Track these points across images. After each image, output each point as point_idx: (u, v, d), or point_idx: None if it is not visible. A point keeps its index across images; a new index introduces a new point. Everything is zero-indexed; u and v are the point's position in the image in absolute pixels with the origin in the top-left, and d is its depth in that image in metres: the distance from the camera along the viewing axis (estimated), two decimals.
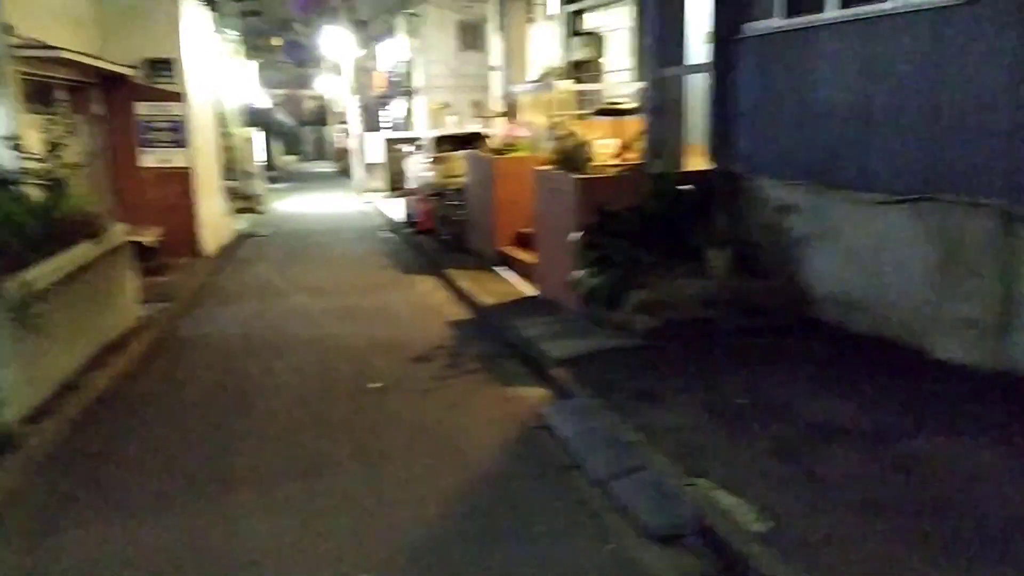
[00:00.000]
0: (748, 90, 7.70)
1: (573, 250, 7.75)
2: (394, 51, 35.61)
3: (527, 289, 9.83)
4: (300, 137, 56.61)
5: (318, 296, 10.51)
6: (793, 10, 7.24)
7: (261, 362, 7.36)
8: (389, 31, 36.63)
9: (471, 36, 30.92)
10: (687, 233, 7.53)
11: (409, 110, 34.17)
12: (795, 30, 7.10)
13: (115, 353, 7.18)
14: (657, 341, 6.67)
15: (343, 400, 6.23)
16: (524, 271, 10.54)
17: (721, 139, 7.98)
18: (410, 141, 24.99)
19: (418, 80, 31.78)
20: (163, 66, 13.00)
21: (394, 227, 18.31)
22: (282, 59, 62.17)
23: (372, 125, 33.23)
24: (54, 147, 7.81)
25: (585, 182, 7.86)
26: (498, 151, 11.83)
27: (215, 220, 14.70)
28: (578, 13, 17.94)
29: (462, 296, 10.06)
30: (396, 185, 25.51)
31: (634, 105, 9.15)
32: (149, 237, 12.51)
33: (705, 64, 8.50)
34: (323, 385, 6.62)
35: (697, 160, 8.90)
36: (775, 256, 7.35)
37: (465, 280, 10.76)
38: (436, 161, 20.68)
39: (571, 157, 8.36)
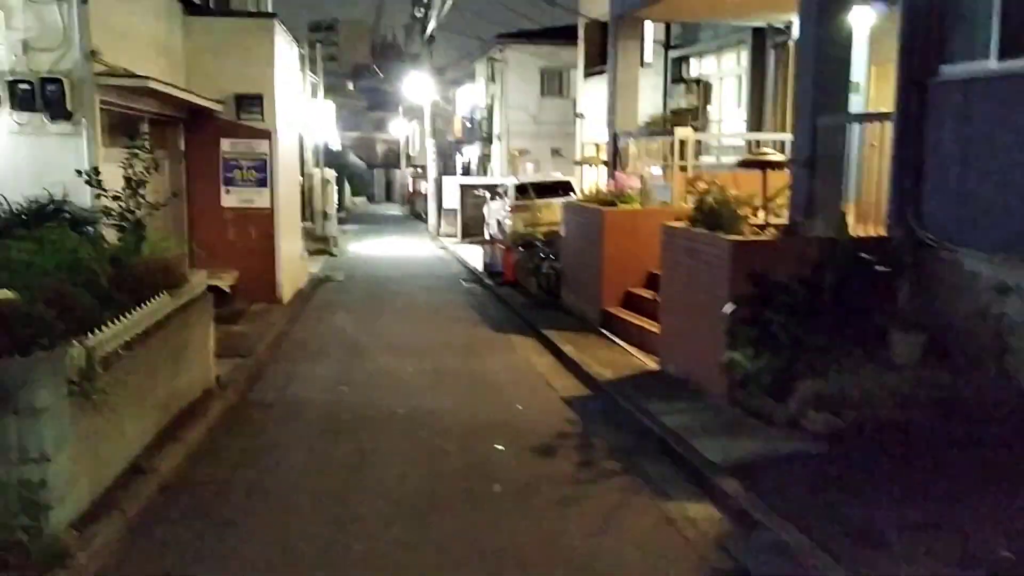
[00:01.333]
0: (945, 144, 6.44)
1: (724, 324, 6.54)
2: (472, 96, 35.17)
3: (646, 361, 8.61)
4: (370, 179, 56.73)
5: (407, 356, 9.45)
6: (1007, 51, 5.99)
7: (351, 444, 6.24)
8: (469, 76, 36.27)
9: (554, 82, 30.21)
10: (867, 312, 6.24)
11: (485, 156, 33.53)
12: (1015, 75, 5.84)
13: (187, 424, 6.16)
14: (845, 448, 5.37)
15: (456, 510, 5.03)
16: (639, 339, 9.33)
17: (904, 200, 6.72)
18: (488, 187, 24.16)
19: (497, 126, 31.13)
20: (252, 102, 12.29)
21: (474, 276, 17.31)
22: (356, 102, 62.96)
23: (447, 169, 32.60)
24: (135, 184, 6.95)
25: (740, 245, 6.66)
26: (607, 202, 10.72)
27: (293, 264, 13.87)
28: (681, 59, 16.93)
29: (571, 364, 8.87)
30: (470, 231, 24.65)
31: (784, 158, 7.97)
32: (226, 281, 11.67)
33: (882, 113, 7.28)
34: (428, 484, 5.43)
35: (857, 223, 7.64)
36: (981, 345, 6.01)
37: (569, 344, 9.59)
38: (518, 209, 19.77)
39: (716, 214, 7.18)
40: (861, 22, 10.02)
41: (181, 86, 10.71)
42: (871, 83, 11.56)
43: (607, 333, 10.11)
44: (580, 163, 15.69)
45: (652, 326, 9.14)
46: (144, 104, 9.94)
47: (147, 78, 8.63)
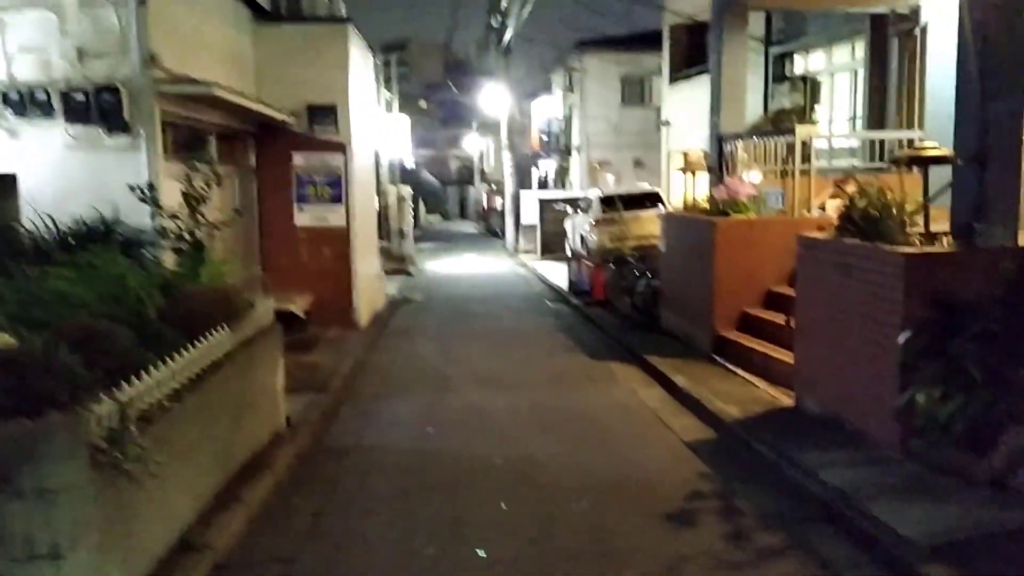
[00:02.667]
0: None
1: (896, 356, 5.29)
2: (549, 108, 34.22)
3: (776, 395, 7.37)
4: (444, 196, 56.39)
5: (496, 389, 8.40)
6: None
7: (441, 508, 5.18)
8: (545, 87, 35.36)
9: (635, 91, 29.01)
10: None
11: (563, 168, 32.49)
12: None
13: (250, 480, 5.22)
14: None
15: None
16: (762, 368, 8.09)
17: None
18: (569, 201, 23.08)
19: (575, 137, 30.07)
20: (325, 113, 11.51)
21: (559, 295, 16.22)
22: (429, 119, 62.89)
23: (523, 184, 31.67)
24: (194, 201, 6.12)
25: (916, 259, 5.39)
26: (716, 211, 9.51)
27: (370, 285, 13.03)
28: (784, 56, 15.58)
29: (686, 399, 7.69)
30: (550, 248, 23.60)
31: (946, 152, 6.66)
32: (300, 306, 10.87)
33: None
34: (538, 568, 4.33)
35: None
36: None
37: (679, 374, 8.41)
38: (604, 223, 18.63)
39: (875, 222, 5.93)
40: None
41: (250, 94, 9.96)
42: None
43: (721, 360, 8.89)
44: (684, 170, 14.42)
45: (780, 354, 7.89)
46: (210, 116, 9.21)
47: (211, 84, 7.85)
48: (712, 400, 7.33)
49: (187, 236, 5.99)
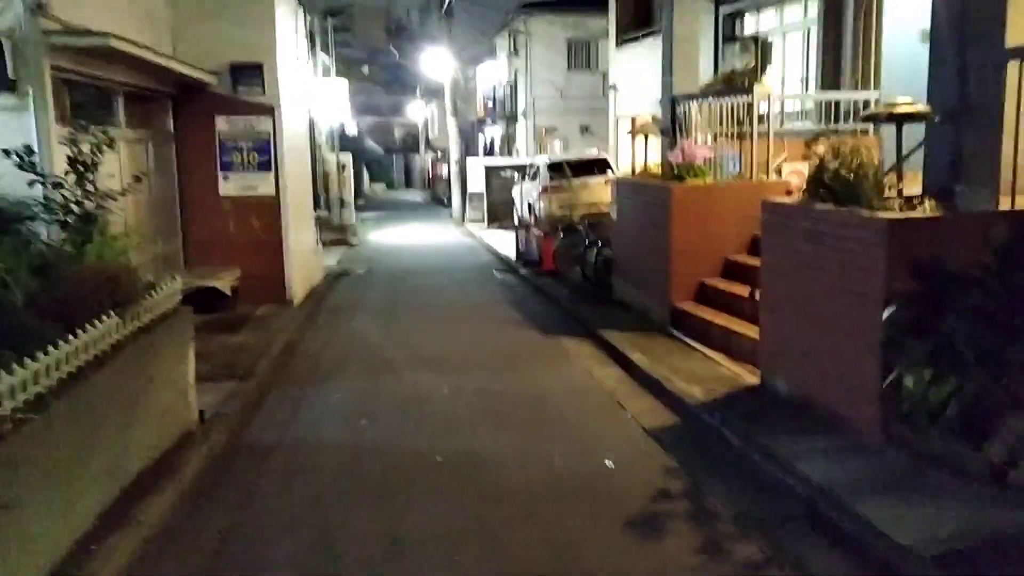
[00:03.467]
0: None
1: (878, 333, 4.77)
2: (494, 73, 33.29)
3: (740, 373, 6.86)
4: (388, 165, 55.11)
5: (441, 371, 7.75)
6: None
7: (376, 519, 4.51)
8: (489, 53, 34.39)
9: (582, 54, 28.28)
10: None
11: (510, 135, 31.69)
12: None
13: (149, 492, 4.49)
14: None
15: None
16: (723, 343, 7.58)
17: None
18: (517, 168, 22.41)
19: (521, 103, 29.27)
20: (251, 73, 10.59)
21: (508, 265, 15.58)
22: (372, 85, 61.29)
23: (469, 151, 30.83)
24: (82, 168, 5.29)
25: (898, 225, 4.85)
26: (674, 176, 8.93)
27: (305, 258, 12.22)
28: (734, 16, 15.01)
29: (645, 379, 7.13)
30: (498, 216, 22.93)
31: (922, 108, 6.13)
32: (226, 281, 10.06)
33: None
34: None
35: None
36: None
37: (636, 350, 7.86)
38: (552, 190, 18.00)
39: (851, 185, 5.38)
40: None
41: (164, 52, 9.01)
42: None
43: (678, 334, 8.36)
44: (633, 134, 13.81)
45: (742, 327, 7.39)
46: (116, 74, 8.27)
47: (107, 35, 6.93)
48: (672, 379, 6.79)
49: (75, 208, 5.17)
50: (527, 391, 7.02)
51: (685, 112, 10.27)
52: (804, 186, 6.35)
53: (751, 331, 7.18)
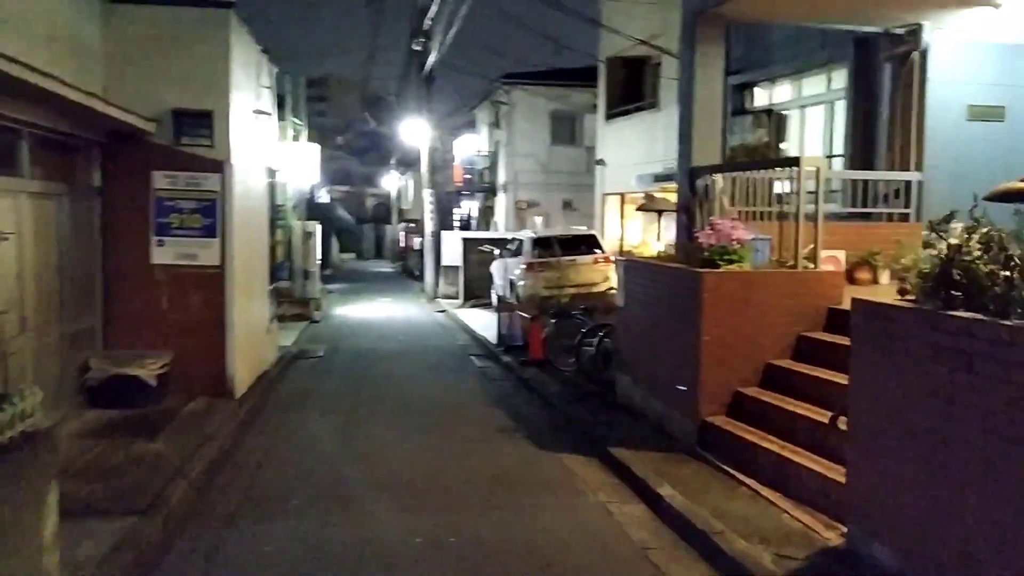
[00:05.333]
0: None
1: None
2: (474, 144, 32.13)
3: (810, 522, 5.18)
4: (359, 235, 53.66)
5: (412, 506, 5.95)
6: None
7: None
8: (469, 125, 33.30)
9: (566, 128, 27.19)
10: None
11: (488, 208, 30.36)
12: None
13: None
14: None
15: None
16: (777, 475, 5.91)
17: None
18: (495, 242, 20.88)
19: (502, 175, 28.01)
20: (198, 122, 8.99)
21: (487, 350, 13.86)
22: (346, 155, 60.36)
23: (444, 223, 29.36)
24: None
25: None
26: (704, 261, 7.37)
27: (254, 339, 10.43)
28: (744, 87, 13.81)
29: (683, 527, 5.41)
30: (474, 293, 21.29)
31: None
32: (151, 369, 8.26)
33: None
34: None
35: None
36: None
37: (664, 481, 6.17)
38: (538, 267, 16.46)
39: (1005, 287, 3.81)
40: None
41: (90, 91, 7.36)
42: None
43: (711, 458, 6.69)
44: (645, 209, 12.34)
45: (806, 459, 5.74)
46: (24, 113, 6.61)
47: (12, 61, 5.27)
48: (723, 533, 5.08)
49: None
50: (530, 544, 5.23)
51: (707, 186, 8.80)
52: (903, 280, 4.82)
53: (820, 466, 5.56)
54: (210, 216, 8.95)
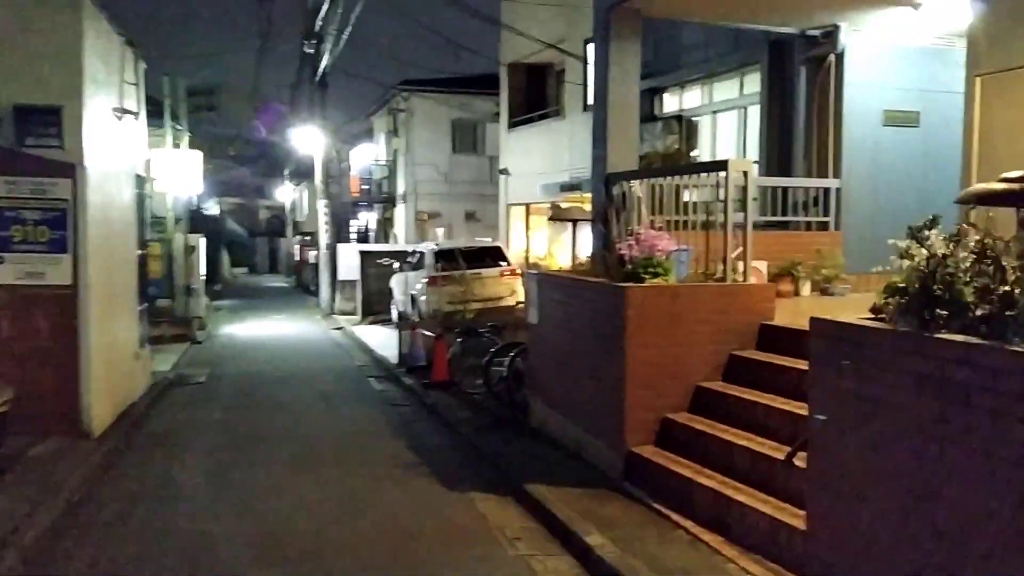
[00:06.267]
0: None
1: None
2: (371, 154, 30.97)
3: (760, 573, 4.51)
4: (252, 248, 51.40)
5: None
6: None
7: None
8: (366, 134, 32.12)
9: (468, 137, 26.44)
10: None
11: (387, 219, 29.25)
12: None
13: None
14: None
15: None
16: (717, 515, 5.23)
17: None
18: (397, 255, 19.85)
19: (401, 185, 26.99)
20: (44, 120, 7.75)
21: (387, 371, 12.88)
22: (237, 166, 57.92)
23: (341, 236, 28.10)
24: None
25: None
26: (628, 273, 6.67)
27: (118, 366, 9.15)
28: (653, 92, 13.34)
29: None
30: (373, 309, 20.17)
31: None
32: None
33: None
34: None
35: None
36: None
37: (592, 526, 5.40)
38: (440, 282, 15.58)
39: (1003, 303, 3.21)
40: None
41: None
42: None
43: (640, 494, 5.98)
44: (557, 219, 11.61)
45: (748, 497, 5.10)
46: None
47: None
48: None
49: None
50: None
51: (625, 193, 8.15)
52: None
53: (768, 506, 4.91)
54: (59, 228, 7.71)
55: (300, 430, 9.01)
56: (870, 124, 9.50)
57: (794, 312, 7.29)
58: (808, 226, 9.63)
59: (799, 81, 10.00)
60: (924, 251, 3.58)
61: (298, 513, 6.16)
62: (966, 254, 3.40)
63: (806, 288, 9.00)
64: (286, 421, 9.47)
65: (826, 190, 9.48)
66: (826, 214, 9.45)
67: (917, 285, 3.59)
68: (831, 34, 9.37)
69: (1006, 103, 7.45)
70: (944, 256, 3.48)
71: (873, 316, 3.83)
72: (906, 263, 3.69)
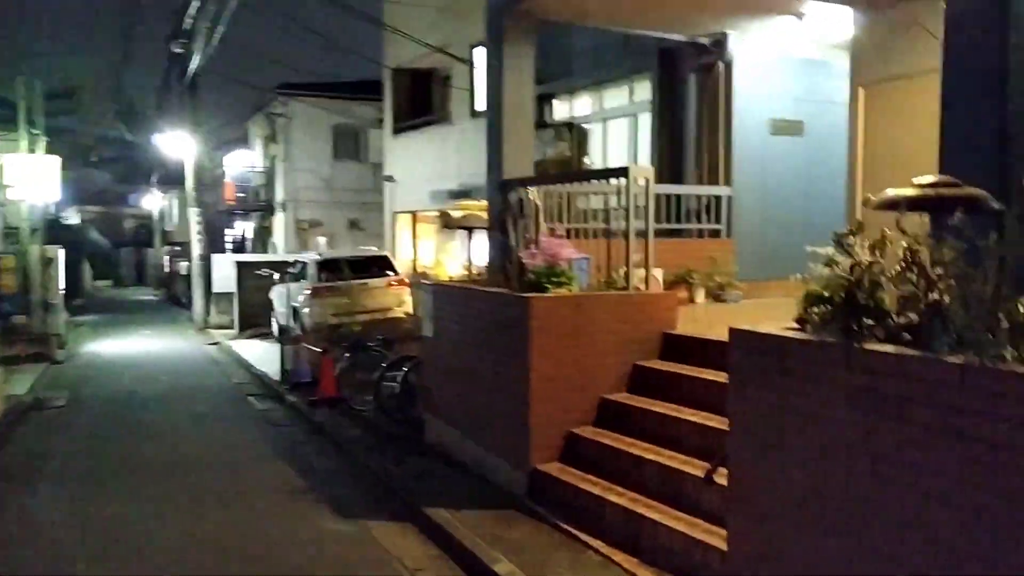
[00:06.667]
0: None
1: None
2: (247, 160, 29.71)
3: None
4: (116, 260, 48.52)
5: None
6: None
7: None
8: (241, 140, 30.79)
9: (349, 143, 25.70)
10: None
11: (265, 228, 28.10)
12: None
13: None
14: None
15: None
16: (626, 533, 5.04)
17: None
18: (276, 266, 18.97)
19: (280, 192, 25.97)
20: None
21: (269, 388, 12.19)
22: (100, 172, 54.58)
23: (216, 246, 26.75)
24: None
25: None
26: (530, 283, 6.42)
27: None
28: (543, 99, 13.20)
29: None
30: (251, 322, 19.21)
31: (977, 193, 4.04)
32: None
33: None
34: None
35: None
36: None
37: (499, 553, 5.09)
38: (324, 293, 14.93)
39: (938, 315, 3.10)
40: None
41: None
42: None
43: (546, 513, 5.71)
44: (453, 226, 11.22)
45: (661, 515, 4.92)
46: None
47: None
48: None
49: None
50: None
51: (522, 200, 7.90)
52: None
53: (683, 524, 4.75)
54: None
55: (172, 458, 8.29)
56: (758, 133, 9.66)
57: (693, 320, 7.25)
58: (701, 234, 9.70)
59: (689, 89, 10.08)
60: (849, 258, 3.46)
61: (169, 556, 5.57)
62: (893, 262, 3.28)
63: (700, 295, 9.02)
64: (157, 448, 8.71)
65: (718, 198, 9.56)
66: (718, 222, 9.53)
67: (843, 294, 3.46)
68: (720, 43, 9.49)
69: (887, 111, 7.68)
70: (871, 264, 3.36)
71: (801, 327, 3.68)
72: (826, 271, 3.57)
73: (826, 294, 3.56)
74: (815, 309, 3.61)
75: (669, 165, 10.33)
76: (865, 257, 3.41)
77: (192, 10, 19.28)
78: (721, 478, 4.18)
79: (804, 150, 9.74)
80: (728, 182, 9.54)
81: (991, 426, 2.76)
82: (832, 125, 8.76)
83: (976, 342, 2.98)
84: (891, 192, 3.71)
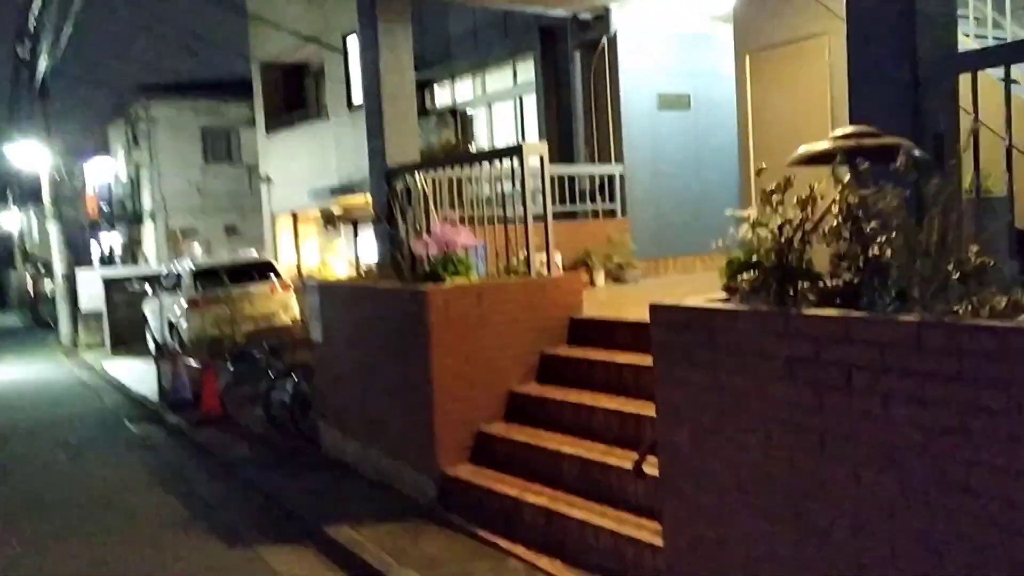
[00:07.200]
0: None
1: None
2: (109, 167, 27.84)
3: None
4: None
5: None
6: None
7: None
8: (101, 145, 28.87)
9: (221, 145, 24.42)
10: None
11: (135, 240, 26.41)
12: None
13: None
14: None
15: None
16: (548, 536, 4.67)
17: None
18: (148, 279, 17.73)
19: (147, 201, 24.42)
20: None
21: (147, 410, 11.24)
22: None
23: (82, 261, 24.92)
24: None
25: None
26: (426, 274, 5.95)
27: None
28: (423, 86, 12.68)
29: None
30: (124, 339, 17.91)
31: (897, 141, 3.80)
32: None
33: None
34: None
35: None
36: None
37: (411, 568, 4.63)
38: (202, 303, 13.97)
39: (879, 266, 2.83)
40: None
41: None
42: None
43: (460, 521, 5.28)
44: (332, 222, 10.53)
45: (584, 512, 4.55)
46: None
47: None
48: None
49: None
50: None
51: (409, 188, 7.42)
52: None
53: (609, 520, 4.41)
54: None
55: (41, 495, 7.39)
56: (646, 108, 9.48)
57: (597, 303, 6.96)
58: (596, 214, 9.46)
59: (574, 67, 9.80)
60: (777, 218, 3.16)
61: None
62: (827, 217, 3.00)
63: (600, 278, 8.78)
64: (20, 484, 7.79)
65: (611, 177, 9.34)
66: (612, 201, 9.31)
67: (773, 257, 3.16)
68: (602, 18, 9.24)
69: (771, 77, 7.60)
70: (803, 221, 3.07)
71: (729, 296, 3.37)
72: (748, 235, 3.27)
73: (754, 258, 3.26)
74: (743, 276, 3.32)
75: (558, 146, 10.04)
76: (795, 215, 3.12)
77: (35, 9, 17.80)
78: (651, 468, 3.84)
79: (693, 125, 9.64)
80: (619, 159, 9.33)
81: (955, 388, 2.49)
82: (720, 97, 8.66)
83: (923, 297, 2.73)
84: (807, 147, 3.45)
